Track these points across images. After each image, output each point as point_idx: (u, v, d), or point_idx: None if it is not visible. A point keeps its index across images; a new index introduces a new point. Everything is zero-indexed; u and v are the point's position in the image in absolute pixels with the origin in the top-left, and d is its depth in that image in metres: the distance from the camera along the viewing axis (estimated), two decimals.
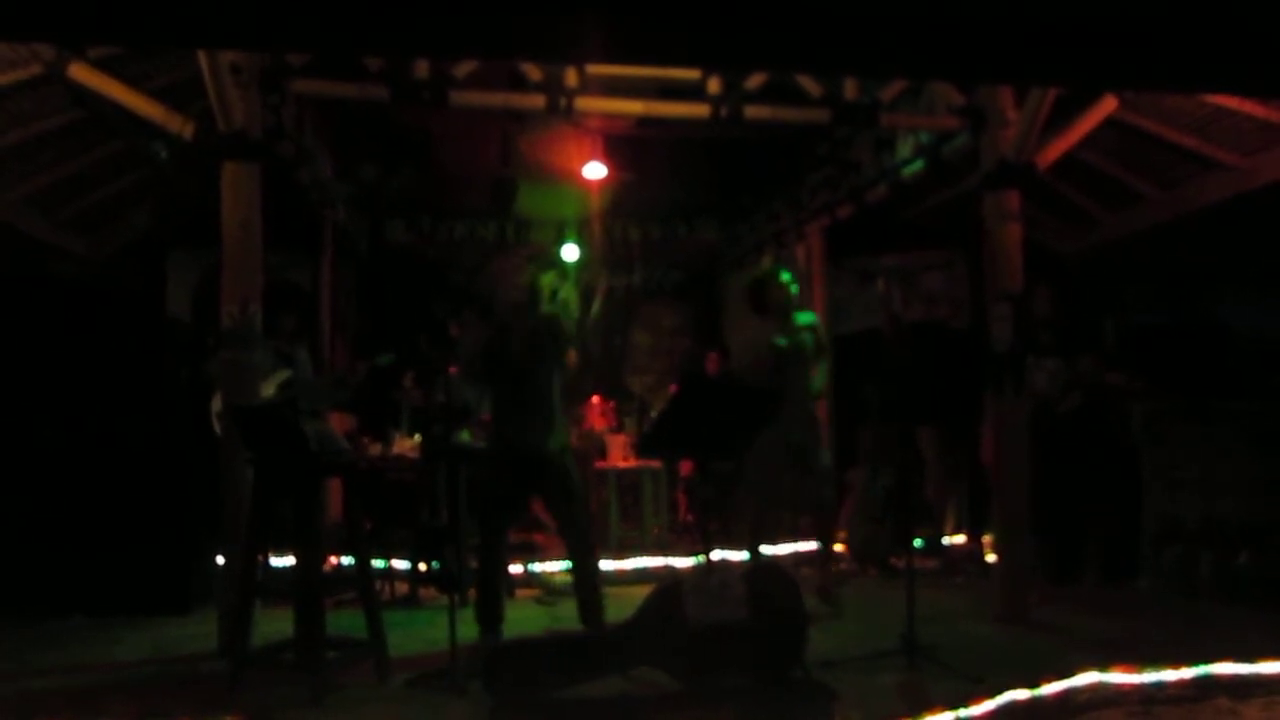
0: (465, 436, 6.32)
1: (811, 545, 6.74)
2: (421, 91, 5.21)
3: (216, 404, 5.35)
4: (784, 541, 6.85)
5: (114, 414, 5.67)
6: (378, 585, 5.17)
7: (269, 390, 5.21)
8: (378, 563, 5.82)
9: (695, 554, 6.30)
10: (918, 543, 6.58)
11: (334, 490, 5.72)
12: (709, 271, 10.64)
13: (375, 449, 6.58)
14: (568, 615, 5.24)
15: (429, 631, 5.08)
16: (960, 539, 7.35)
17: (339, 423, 6.51)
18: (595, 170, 7.88)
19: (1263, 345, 7.39)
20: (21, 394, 5.70)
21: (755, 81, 5.57)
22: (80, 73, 4.97)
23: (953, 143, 5.85)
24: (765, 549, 5.70)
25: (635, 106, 5.58)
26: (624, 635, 4.08)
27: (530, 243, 9.72)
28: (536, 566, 6.55)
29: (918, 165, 6.26)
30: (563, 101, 5.33)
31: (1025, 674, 3.92)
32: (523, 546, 6.99)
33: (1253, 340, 7.53)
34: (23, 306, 5.91)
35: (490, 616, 4.66)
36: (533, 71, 5.41)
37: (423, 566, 6.15)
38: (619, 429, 8.44)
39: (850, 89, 5.66)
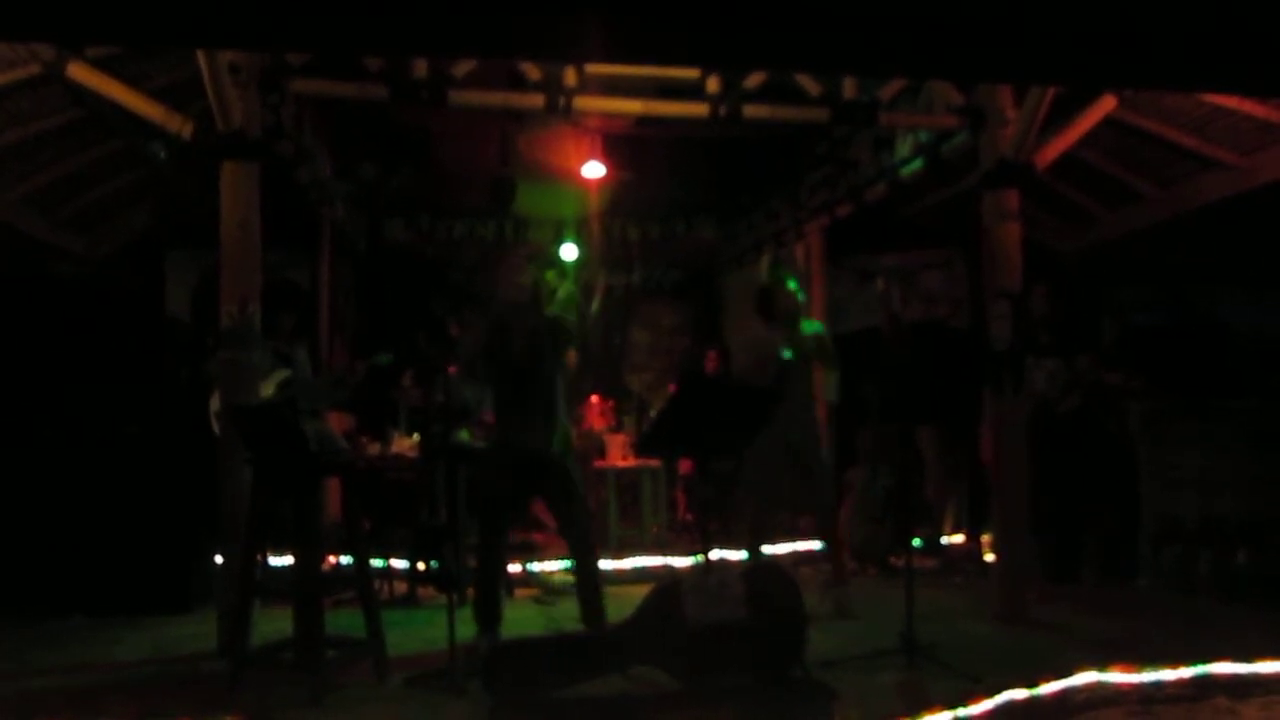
0: (464, 436, 6.32)
1: (811, 545, 6.77)
2: (420, 91, 5.21)
3: (215, 404, 5.34)
4: (784, 541, 6.85)
5: (113, 414, 5.67)
6: (376, 584, 5.18)
7: (268, 390, 5.21)
8: (376, 562, 5.83)
9: (694, 553, 6.30)
10: (917, 542, 6.58)
11: (333, 490, 5.72)
12: (708, 270, 10.64)
13: (374, 448, 6.58)
14: (567, 615, 5.25)
15: (428, 631, 5.08)
16: (959, 538, 7.36)
17: (338, 422, 6.51)
18: (594, 169, 7.88)
19: (1262, 344, 7.40)
20: (21, 394, 5.70)
21: (754, 81, 5.57)
22: (79, 72, 4.96)
23: (952, 142, 5.85)
24: (765, 549, 5.68)
25: (634, 106, 5.58)
26: (623, 635, 4.09)
27: (529, 242, 9.72)
28: (536, 566, 6.55)
29: (917, 164, 6.26)
30: (562, 101, 5.33)
31: (1024, 673, 3.92)
32: (522, 546, 6.99)
33: (1251, 339, 7.53)
34: (21, 306, 5.91)
35: (489, 617, 4.66)
36: (532, 71, 5.41)
37: (421, 566, 6.15)
38: (618, 428, 8.44)
39: (849, 88, 5.66)
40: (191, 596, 5.58)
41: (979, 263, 6.02)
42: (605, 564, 5.67)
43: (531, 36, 2.85)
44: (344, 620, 4.55)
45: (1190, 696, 3.85)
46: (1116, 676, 3.92)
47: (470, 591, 4.88)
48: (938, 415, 5.87)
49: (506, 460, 4.75)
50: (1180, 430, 6.09)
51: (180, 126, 5.04)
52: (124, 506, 5.56)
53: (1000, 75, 4.75)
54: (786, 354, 5.34)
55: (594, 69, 5.34)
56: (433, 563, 6.08)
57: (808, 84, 5.63)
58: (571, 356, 4.90)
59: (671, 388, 7.31)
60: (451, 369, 5.41)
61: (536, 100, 5.36)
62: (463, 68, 5.28)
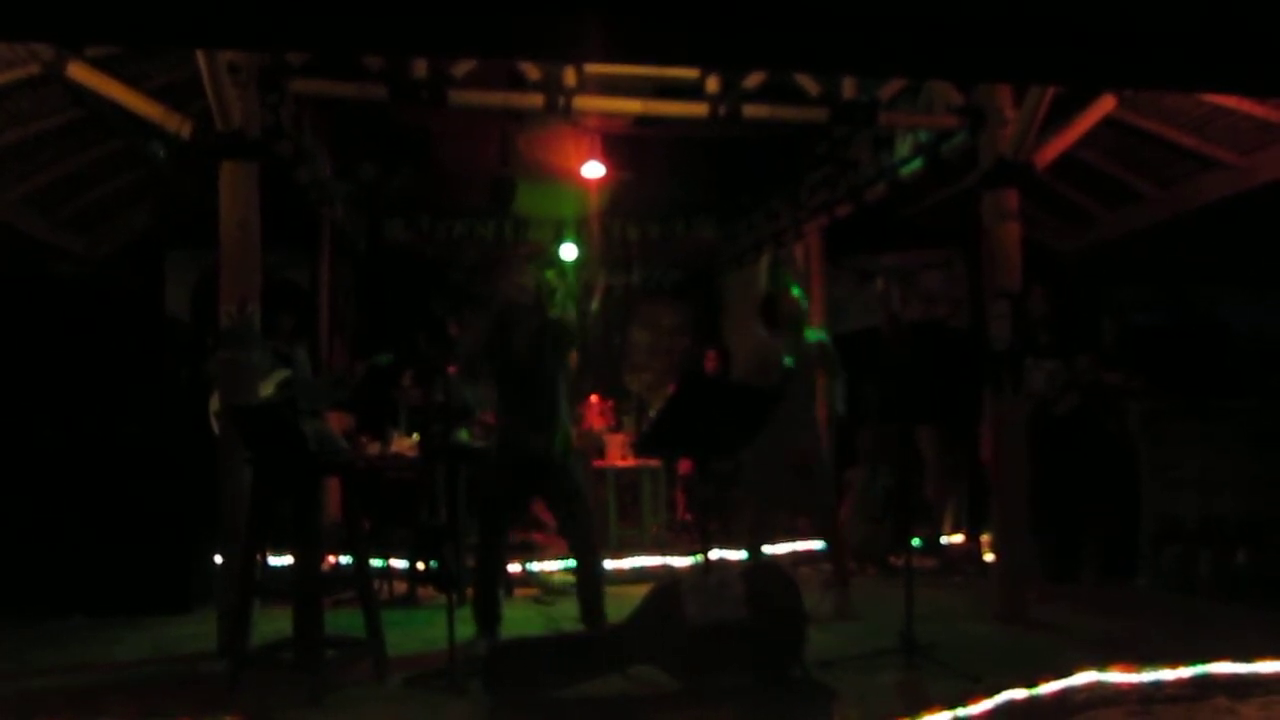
0: (464, 436, 6.32)
1: (811, 545, 6.77)
2: (420, 91, 5.21)
3: (215, 403, 5.34)
4: (784, 541, 6.85)
5: (113, 414, 5.67)
6: (376, 584, 5.18)
7: (267, 390, 5.21)
8: (376, 562, 5.83)
9: (694, 553, 6.30)
10: (917, 542, 6.58)
11: (333, 490, 5.72)
12: (707, 270, 10.64)
13: (374, 448, 6.58)
14: (567, 615, 5.26)
15: (427, 631, 5.08)
16: (959, 538, 7.36)
17: (337, 422, 6.51)
18: (594, 169, 7.88)
19: (1261, 344, 7.40)
20: (21, 394, 5.70)
21: (754, 80, 5.57)
22: (79, 72, 4.96)
23: (951, 141, 5.85)
24: (765, 549, 5.68)
25: (634, 105, 5.58)
26: (623, 635, 4.09)
27: (529, 241, 9.72)
28: (535, 566, 6.55)
29: (916, 164, 6.26)
30: (561, 101, 5.33)
31: (1024, 673, 3.92)
32: (522, 546, 6.99)
33: (1251, 339, 7.54)
34: (21, 306, 5.91)
35: (488, 617, 4.66)
36: (531, 71, 5.41)
37: (421, 566, 6.14)
38: (617, 428, 8.44)
39: (849, 88, 5.66)
40: (191, 596, 5.58)
41: (978, 263, 6.02)
42: (605, 564, 5.67)
43: (531, 36, 2.85)
44: (344, 620, 4.55)
45: (1190, 696, 3.85)
46: (1116, 676, 3.92)
47: (470, 591, 4.88)
48: (937, 415, 5.88)
49: (507, 461, 4.75)
50: (1180, 430, 6.09)
51: (180, 126, 5.04)
52: (124, 507, 5.56)
53: (1000, 75, 4.76)
54: (789, 362, 5.33)
55: (594, 69, 5.34)
56: (432, 563, 6.08)
57: (808, 84, 5.63)
58: (573, 357, 4.90)
59: (672, 388, 7.30)
60: (451, 369, 5.41)
61: (536, 100, 5.37)
62: (463, 68, 5.28)
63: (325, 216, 7.80)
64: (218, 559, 4.97)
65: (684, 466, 8.24)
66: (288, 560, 5.04)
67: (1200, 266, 7.89)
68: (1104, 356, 6.59)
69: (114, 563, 5.49)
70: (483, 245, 9.74)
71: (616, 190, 8.62)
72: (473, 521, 5.61)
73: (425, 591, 6.10)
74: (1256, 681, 3.95)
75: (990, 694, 3.73)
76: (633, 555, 6.78)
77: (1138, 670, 3.95)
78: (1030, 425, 5.58)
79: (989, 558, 6.31)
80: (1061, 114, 5.52)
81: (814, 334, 5.57)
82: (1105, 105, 5.54)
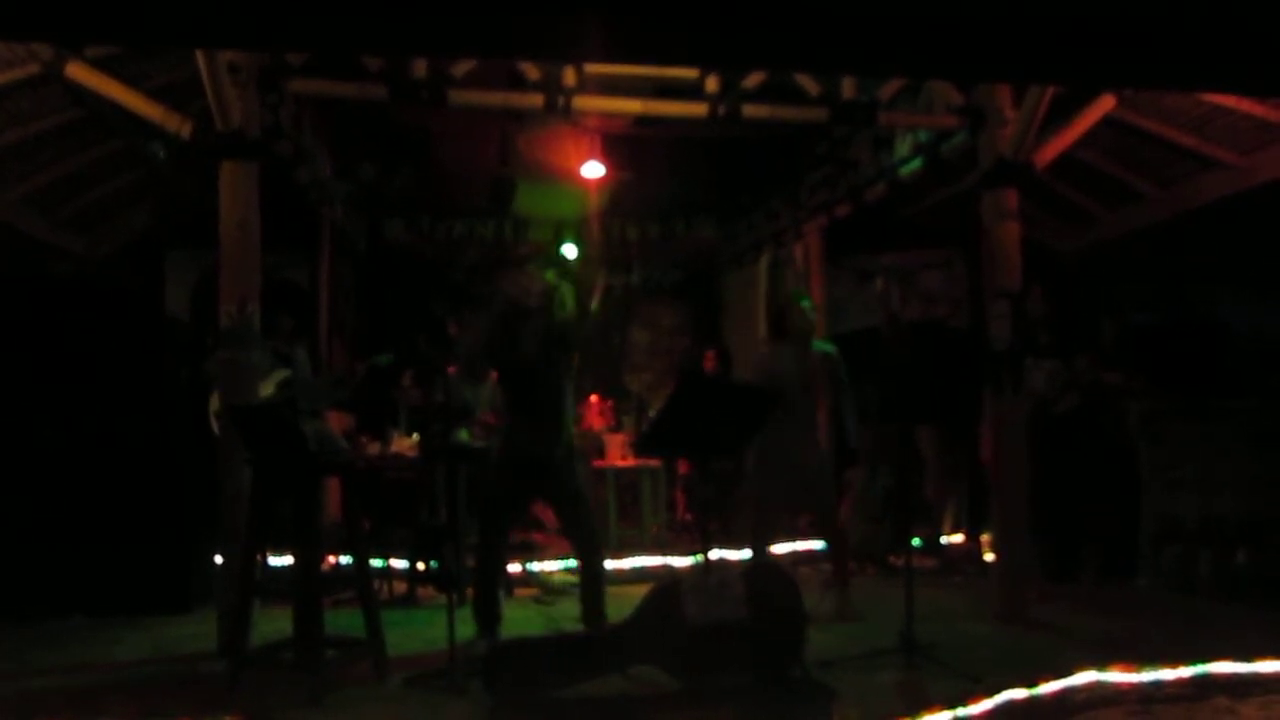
0: (464, 436, 6.32)
1: (811, 545, 6.77)
2: (420, 91, 5.21)
3: (215, 404, 5.34)
4: (784, 541, 6.85)
5: (113, 414, 5.67)
6: (376, 584, 5.18)
7: (267, 390, 5.21)
8: (376, 562, 5.83)
9: (694, 553, 6.30)
10: (916, 542, 6.58)
11: (333, 490, 5.72)
12: (707, 270, 10.64)
13: (374, 448, 6.58)
14: (567, 615, 5.26)
15: (427, 631, 5.08)
16: (959, 538, 7.36)
17: (337, 422, 6.51)
18: (593, 169, 7.88)
19: (1261, 344, 7.40)
20: (21, 394, 5.69)
21: (753, 80, 5.57)
22: (78, 72, 4.97)
23: (951, 141, 5.85)
24: (765, 549, 5.67)
25: (633, 105, 5.58)
26: (623, 635, 4.09)
27: (529, 241, 9.72)
28: (535, 566, 6.55)
29: (916, 164, 6.27)
30: (561, 100, 5.33)
31: (1024, 673, 3.92)
32: (522, 546, 6.99)
33: (1251, 339, 7.53)
34: (21, 306, 5.90)
35: (488, 617, 4.66)
36: (531, 71, 5.41)
37: (421, 566, 6.14)
38: (617, 428, 8.44)
39: (848, 88, 5.66)
40: (191, 596, 5.58)
41: (978, 263, 6.02)
42: (606, 564, 5.66)
43: (531, 36, 2.85)
44: (344, 620, 4.55)
45: (1190, 696, 3.85)
46: (1116, 676, 3.93)
47: (470, 591, 4.88)
48: (937, 415, 5.88)
49: (510, 461, 4.75)
50: (1180, 430, 6.09)
51: (179, 126, 5.04)
52: (124, 507, 5.56)
53: (1000, 75, 4.76)
54: (794, 374, 5.30)
55: (593, 69, 5.34)
56: (432, 563, 6.08)
57: (807, 84, 5.63)
58: (575, 358, 4.90)
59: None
60: (451, 369, 5.41)
61: (536, 100, 5.37)
62: (463, 68, 5.28)
63: (325, 216, 7.80)
64: (218, 559, 4.97)
65: (684, 466, 8.24)
66: (288, 560, 5.04)
67: (1200, 266, 7.88)
68: (1104, 356, 6.59)
69: (114, 563, 5.49)
70: (483, 245, 9.75)
71: (616, 190, 8.62)
72: (473, 521, 5.61)
73: (425, 591, 6.10)
74: (1256, 681, 3.95)
75: (990, 694, 3.73)
76: (633, 555, 6.78)
77: (1138, 670, 3.96)
78: (1030, 425, 5.58)
79: (989, 558, 6.30)
80: (1061, 114, 5.52)
81: (821, 346, 5.55)
82: (1105, 105, 5.55)
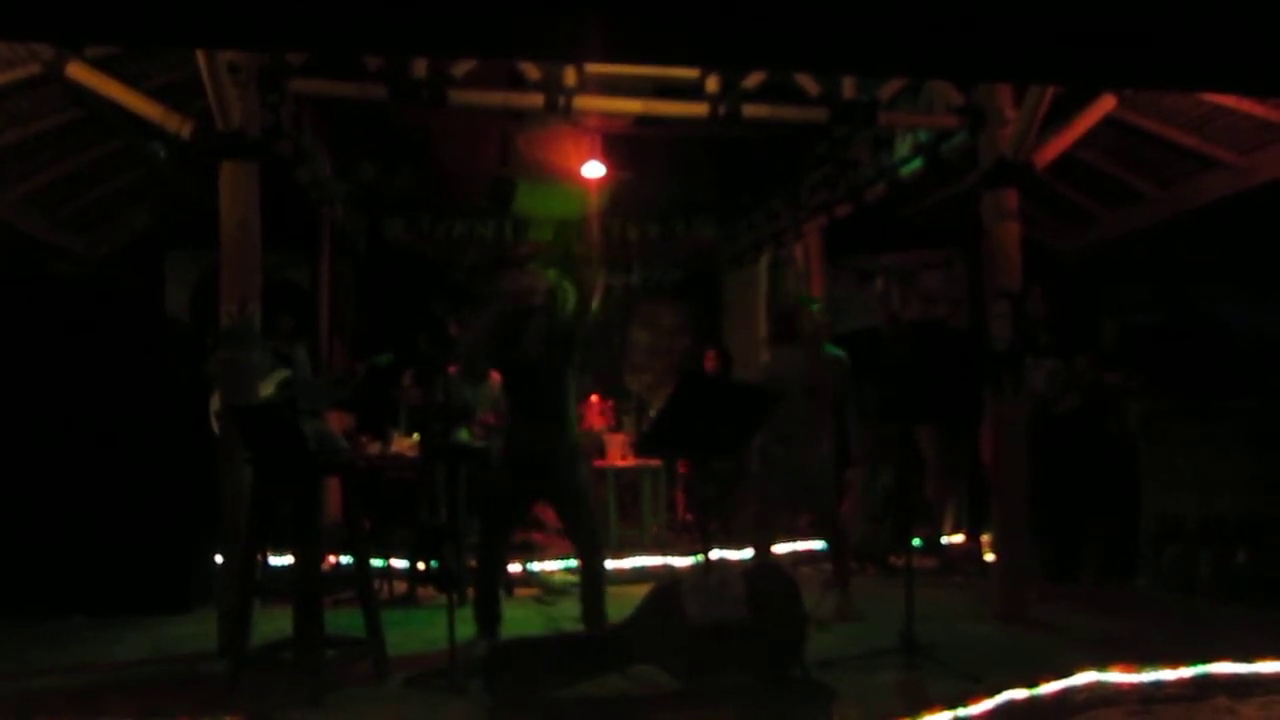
0: (464, 436, 6.32)
1: (811, 545, 6.77)
2: (420, 90, 5.21)
3: (215, 403, 5.35)
4: (784, 541, 6.85)
5: (113, 414, 5.67)
6: (376, 584, 5.18)
7: (268, 390, 5.21)
8: (376, 562, 5.83)
9: (694, 553, 6.30)
10: (916, 542, 6.58)
11: (333, 489, 5.72)
12: (708, 270, 10.63)
13: (374, 448, 6.58)
14: (567, 615, 5.26)
15: (427, 630, 5.08)
16: (959, 538, 7.36)
17: (337, 421, 6.51)
18: (594, 169, 7.88)
19: (1261, 344, 7.41)
20: (21, 394, 5.70)
21: (754, 80, 5.57)
22: (78, 72, 4.96)
23: (951, 141, 5.85)
24: (767, 549, 5.67)
25: (634, 105, 5.58)
26: (623, 634, 4.09)
27: (529, 241, 9.72)
28: (535, 566, 6.55)
29: (916, 164, 6.26)
30: (561, 100, 5.33)
31: (1024, 673, 3.92)
32: (522, 546, 6.99)
33: (1251, 339, 7.54)
34: (21, 306, 5.90)
35: (488, 618, 4.66)
36: (531, 70, 5.41)
37: (421, 565, 6.15)
38: (617, 428, 8.44)
39: (848, 88, 5.66)
40: (191, 596, 5.58)
41: (978, 263, 6.02)
42: (606, 564, 5.67)
43: (531, 36, 2.85)
44: (344, 620, 4.55)
45: (1190, 696, 3.86)
46: (1116, 676, 3.93)
47: (470, 591, 4.88)
48: (937, 415, 5.87)
49: (511, 461, 4.75)
50: (1180, 430, 6.09)
51: (180, 126, 5.04)
52: (124, 507, 5.56)
53: (1000, 75, 4.76)
54: (803, 385, 5.29)
55: (593, 69, 5.34)
56: (433, 562, 6.08)
57: (808, 84, 5.63)
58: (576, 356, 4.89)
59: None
60: (451, 369, 5.41)
61: (536, 100, 5.36)
62: (463, 68, 5.28)
63: (325, 216, 7.80)
64: (218, 559, 4.97)
65: (684, 466, 8.24)
66: (288, 560, 5.04)
67: (1200, 266, 7.89)
68: (1104, 356, 6.59)
69: (114, 563, 5.49)
70: (483, 245, 9.74)
71: (616, 190, 8.62)
72: (473, 521, 5.61)
73: (425, 591, 6.10)
74: (1256, 681, 3.96)
75: (990, 694, 3.73)
76: (633, 555, 6.78)
77: (1138, 670, 3.95)
78: (1030, 425, 5.58)
79: (989, 558, 6.31)
80: (1061, 114, 5.52)
81: (832, 350, 5.50)
82: (1105, 105, 5.55)
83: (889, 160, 6.60)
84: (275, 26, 2.77)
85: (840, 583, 5.40)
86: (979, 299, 6.76)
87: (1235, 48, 2.85)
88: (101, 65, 5.00)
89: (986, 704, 3.67)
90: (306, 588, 4.13)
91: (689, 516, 8.35)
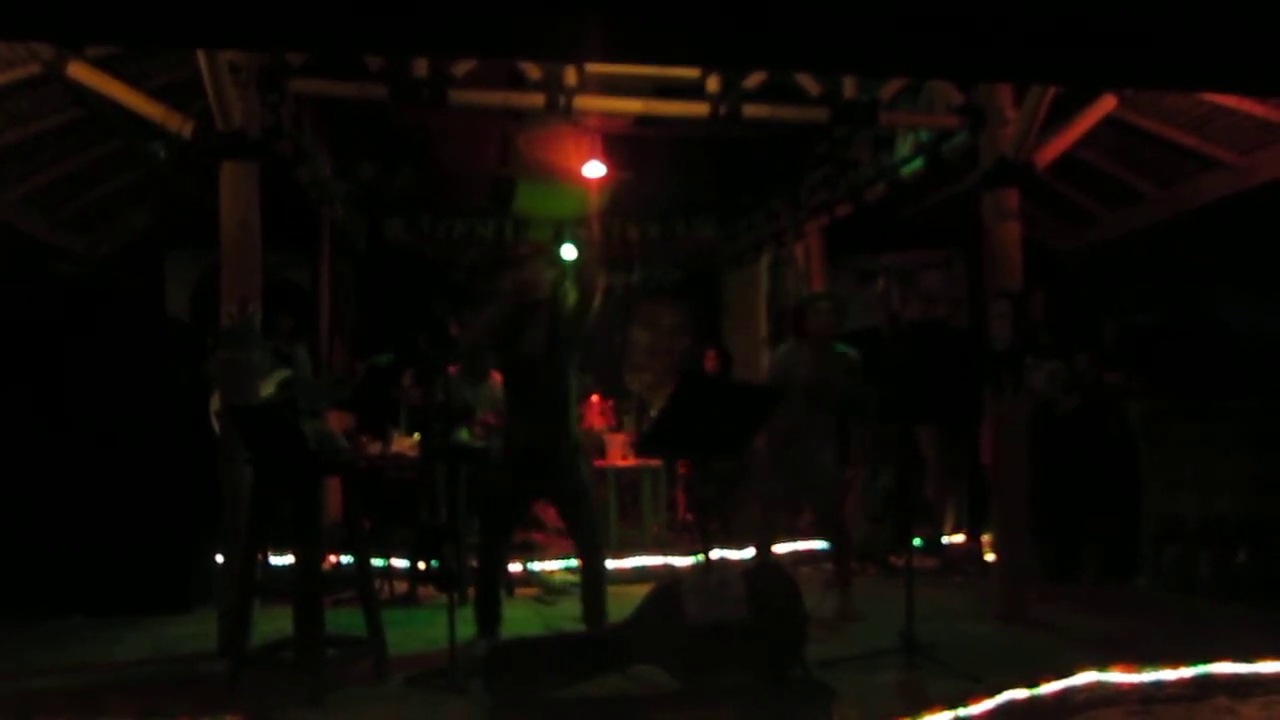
0: (464, 436, 6.32)
1: (811, 545, 6.77)
2: (420, 90, 5.21)
3: (216, 403, 5.35)
4: (784, 541, 6.85)
5: (113, 414, 5.67)
6: (377, 584, 5.17)
7: (268, 390, 5.22)
8: (377, 561, 5.82)
9: (694, 553, 6.30)
10: (917, 542, 6.57)
11: (333, 489, 5.72)
12: (708, 270, 10.64)
13: (374, 448, 6.57)
14: (567, 615, 5.26)
15: (428, 630, 5.08)
16: (959, 538, 7.36)
17: (337, 421, 6.51)
18: (594, 169, 7.88)
19: (1262, 344, 7.41)
20: (21, 394, 5.70)
21: (754, 80, 5.57)
22: (79, 72, 4.96)
23: (952, 141, 5.85)
24: (769, 548, 5.67)
25: (634, 105, 5.58)
26: (623, 634, 4.09)
27: (529, 241, 9.71)
28: (536, 565, 6.55)
29: (917, 164, 6.26)
30: (561, 100, 5.33)
31: (1024, 673, 3.92)
32: (522, 546, 6.99)
33: (1252, 339, 7.54)
34: (21, 306, 5.90)
35: (488, 618, 4.66)
36: (532, 70, 5.41)
37: (422, 565, 6.15)
38: (618, 428, 8.44)
39: (849, 87, 5.66)
40: (191, 596, 5.57)
41: (979, 262, 6.01)
42: (606, 564, 5.67)
43: (531, 36, 2.85)
44: (344, 620, 4.55)
45: (1190, 696, 3.86)
46: (1116, 676, 3.93)
47: (470, 591, 4.88)
48: (937, 415, 5.87)
49: (512, 460, 4.74)
50: (1180, 430, 6.09)
51: (180, 126, 5.03)
52: (124, 506, 5.55)
53: (1000, 75, 4.76)
54: (812, 385, 5.28)
55: (594, 68, 5.34)
56: (433, 562, 6.08)
57: (808, 84, 5.62)
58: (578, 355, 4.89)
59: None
60: (451, 369, 5.40)
61: (536, 100, 5.36)
62: (463, 67, 5.27)
63: (325, 216, 7.81)
64: (218, 559, 4.97)
65: (685, 466, 8.25)
66: (288, 560, 5.04)
67: (1200, 266, 7.89)
68: (1104, 356, 6.59)
69: (114, 563, 5.48)
70: (483, 245, 9.74)
71: (616, 190, 8.62)
72: (473, 521, 5.61)
73: (426, 591, 6.09)
74: (1257, 681, 3.96)
75: (991, 694, 3.73)
76: (633, 555, 6.77)
77: (1138, 670, 3.95)
78: (1030, 425, 5.58)
79: (989, 558, 6.31)
80: (1061, 114, 5.52)
81: (842, 347, 5.47)
82: (1106, 105, 5.55)
83: (889, 160, 6.60)
84: (275, 26, 2.76)
85: (841, 583, 5.40)
86: (979, 299, 6.75)
87: (1235, 48, 2.85)
88: (102, 65, 5.00)
89: (987, 704, 3.68)
90: (307, 587, 4.13)
91: (689, 516, 8.35)
